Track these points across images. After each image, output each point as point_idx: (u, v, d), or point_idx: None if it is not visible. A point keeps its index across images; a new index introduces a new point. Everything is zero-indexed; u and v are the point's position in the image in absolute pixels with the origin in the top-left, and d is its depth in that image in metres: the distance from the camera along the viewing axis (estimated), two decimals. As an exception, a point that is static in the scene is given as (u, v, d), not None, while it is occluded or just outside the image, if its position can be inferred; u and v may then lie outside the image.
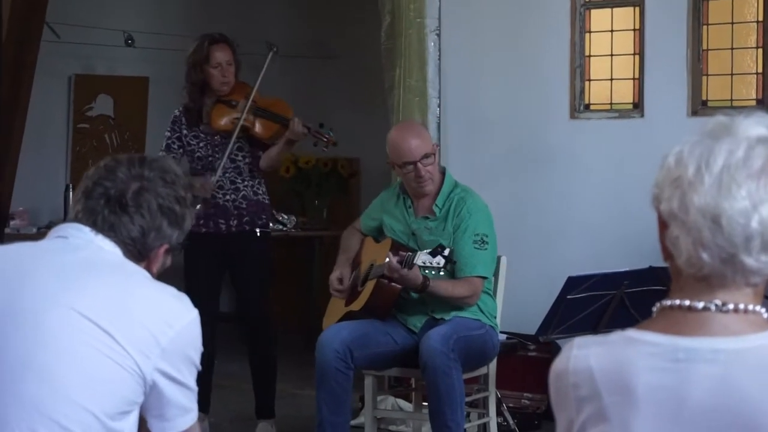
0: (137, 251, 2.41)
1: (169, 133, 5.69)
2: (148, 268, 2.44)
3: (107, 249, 2.38)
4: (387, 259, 4.66)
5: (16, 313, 2.28)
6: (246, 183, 5.66)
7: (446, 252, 4.52)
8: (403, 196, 5.01)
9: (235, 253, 5.63)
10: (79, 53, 8.66)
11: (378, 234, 5.13)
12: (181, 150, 5.66)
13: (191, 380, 2.36)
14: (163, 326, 2.28)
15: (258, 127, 5.65)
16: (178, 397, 2.34)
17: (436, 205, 4.90)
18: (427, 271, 4.58)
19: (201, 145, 5.66)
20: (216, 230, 5.60)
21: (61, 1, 8.07)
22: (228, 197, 5.62)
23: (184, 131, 5.67)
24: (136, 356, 2.25)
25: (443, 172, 5.00)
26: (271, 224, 5.95)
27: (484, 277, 4.82)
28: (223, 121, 5.63)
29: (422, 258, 4.55)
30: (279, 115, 5.65)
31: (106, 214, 2.39)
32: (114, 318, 2.26)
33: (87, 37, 8.47)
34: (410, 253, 4.65)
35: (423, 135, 4.94)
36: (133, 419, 2.31)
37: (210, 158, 5.63)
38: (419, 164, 4.84)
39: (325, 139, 5.78)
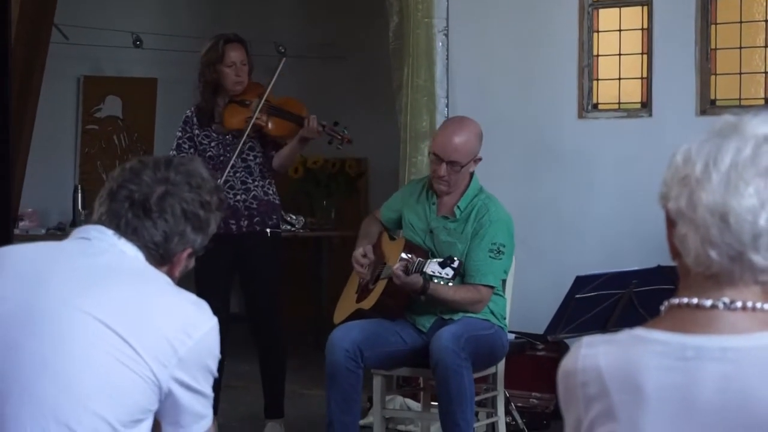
0: (159, 256, 2.40)
1: (180, 133, 5.69)
2: (170, 272, 2.43)
3: (129, 253, 2.36)
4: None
5: (34, 315, 2.26)
6: (257, 183, 5.66)
7: (455, 264, 4.53)
8: (430, 190, 4.96)
9: (245, 254, 5.63)
10: (88, 55, 8.67)
11: (396, 226, 5.11)
12: (192, 150, 5.66)
13: (207, 388, 2.35)
14: (181, 335, 2.27)
15: (271, 126, 5.62)
16: (193, 404, 2.33)
17: (458, 207, 4.87)
18: (435, 280, 4.58)
19: (212, 144, 5.66)
20: (226, 231, 5.59)
21: (70, 3, 8.09)
22: (239, 197, 5.62)
23: (196, 131, 5.67)
24: (152, 365, 2.24)
25: (471, 175, 4.95)
26: (281, 225, 5.96)
27: (492, 287, 4.82)
28: (236, 120, 5.62)
29: (431, 267, 4.56)
30: (293, 114, 5.63)
31: (130, 217, 2.37)
32: (131, 325, 2.24)
33: (95, 39, 8.48)
34: (420, 259, 4.65)
35: (467, 140, 4.83)
36: (146, 427, 2.30)
37: (221, 158, 5.63)
38: (444, 164, 4.81)
39: (339, 137, 5.74)
